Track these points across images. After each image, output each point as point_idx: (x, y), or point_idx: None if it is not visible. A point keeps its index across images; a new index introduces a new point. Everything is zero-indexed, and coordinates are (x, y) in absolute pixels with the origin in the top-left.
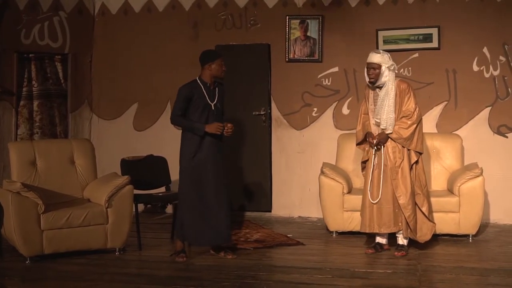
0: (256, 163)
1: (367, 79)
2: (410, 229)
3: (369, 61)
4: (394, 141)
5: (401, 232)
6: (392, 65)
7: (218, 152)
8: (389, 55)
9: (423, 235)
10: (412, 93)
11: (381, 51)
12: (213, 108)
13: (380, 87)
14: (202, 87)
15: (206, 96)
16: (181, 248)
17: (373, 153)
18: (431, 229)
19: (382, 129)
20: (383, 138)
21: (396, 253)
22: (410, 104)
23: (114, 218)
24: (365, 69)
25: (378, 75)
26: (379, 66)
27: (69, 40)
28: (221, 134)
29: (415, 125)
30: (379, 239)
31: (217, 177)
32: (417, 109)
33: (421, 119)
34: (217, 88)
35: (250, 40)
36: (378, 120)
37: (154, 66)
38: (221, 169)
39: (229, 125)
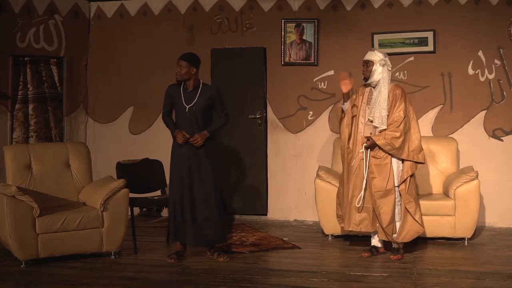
0: (252, 166)
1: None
2: (385, 231)
3: (364, 58)
4: (384, 151)
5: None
6: (382, 60)
7: (201, 154)
8: (383, 53)
9: (403, 237)
10: (404, 101)
11: (376, 49)
12: (187, 111)
13: (373, 86)
14: (181, 88)
15: (182, 98)
16: (178, 249)
17: (354, 156)
18: (417, 232)
19: (375, 126)
20: (372, 145)
21: (391, 256)
22: (400, 112)
23: (109, 221)
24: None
25: (370, 72)
26: (372, 63)
27: (64, 44)
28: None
29: (404, 135)
30: (374, 242)
31: (200, 178)
32: (406, 118)
33: (409, 128)
34: (199, 90)
35: (245, 44)
36: (371, 118)
37: (150, 70)
38: (205, 170)
39: (195, 136)
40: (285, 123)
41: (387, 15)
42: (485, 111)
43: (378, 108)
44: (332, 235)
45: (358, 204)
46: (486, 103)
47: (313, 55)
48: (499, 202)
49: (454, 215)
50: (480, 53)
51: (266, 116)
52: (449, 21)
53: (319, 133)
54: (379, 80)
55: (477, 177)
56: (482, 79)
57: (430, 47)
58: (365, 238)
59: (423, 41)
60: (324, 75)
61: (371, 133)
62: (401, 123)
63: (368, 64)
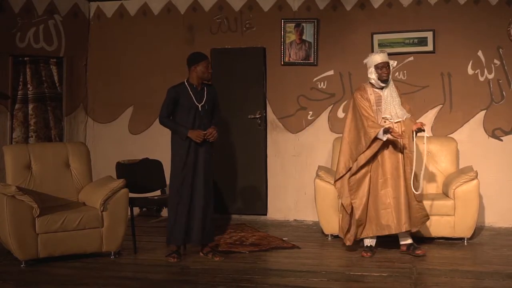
0: (251, 166)
1: (377, 79)
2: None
3: (381, 60)
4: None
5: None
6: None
7: (207, 155)
8: None
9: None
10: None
11: (381, 50)
12: (200, 110)
13: (380, 88)
14: (189, 88)
15: (193, 98)
16: (176, 249)
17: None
18: (427, 217)
19: (397, 122)
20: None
21: (418, 251)
22: (405, 104)
23: (109, 221)
24: (374, 70)
25: (389, 73)
26: (389, 64)
27: (64, 44)
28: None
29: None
30: (369, 242)
31: (205, 180)
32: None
33: None
34: (205, 90)
35: (245, 44)
36: (389, 116)
37: (149, 70)
38: (208, 172)
39: (209, 130)
40: (284, 123)
41: (386, 15)
42: (484, 111)
43: (397, 105)
44: (331, 235)
45: (418, 191)
46: (485, 103)
47: (312, 55)
48: (499, 202)
49: (454, 215)
50: (480, 53)
51: (265, 116)
52: (449, 21)
53: (318, 133)
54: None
55: (476, 177)
56: (481, 79)
57: (429, 47)
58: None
59: (422, 41)
60: (323, 75)
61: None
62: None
63: (388, 66)
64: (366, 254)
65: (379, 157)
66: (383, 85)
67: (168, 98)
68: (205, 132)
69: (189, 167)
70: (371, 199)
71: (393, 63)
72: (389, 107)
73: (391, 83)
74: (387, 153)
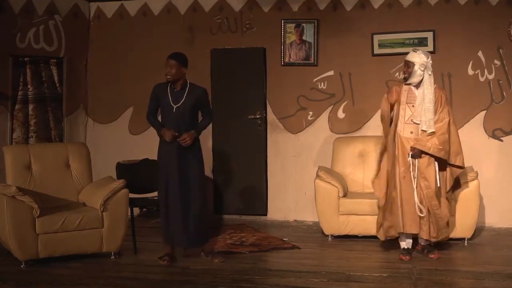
0: (251, 166)
1: (401, 76)
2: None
3: (406, 58)
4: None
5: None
6: (422, 64)
7: (190, 154)
8: (426, 55)
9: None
10: (447, 104)
11: (420, 51)
12: (174, 111)
13: (414, 86)
14: (168, 88)
15: (169, 98)
16: (168, 251)
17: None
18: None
19: (423, 130)
20: (417, 153)
21: (433, 255)
22: (445, 114)
23: (109, 222)
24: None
25: (410, 73)
26: (412, 65)
27: (64, 44)
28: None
29: (447, 135)
30: (405, 244)
31: (183, 182)
32: (450, 120)
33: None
34: (186, 90)
35: (245, 44)
36: (418, 122)
37: (150, 70)
38: (194, 170)
39: (184, 135)
40: (285, 124)
41: (387, 15)
42: (484, 112)
43: (424, 111)
44: (332, 235)
45: (422, 214)
46: (485, 104)
47: (312, 55)
48: (499, 202)
49: (454, 215)
50: (480, 54)
51: (266, 117)
52: (449, 22)
53: (319, 133)
54: (420, 82)
55: (477, 177)
56: (481, 79)
57: (430, 48)
58: (364, 239)
59: (422, 42)
60: (323, 76)
61: (411, 132)
62: (449, 125)
63: (409, 65)
64: (404, 257)
65: (398, 158)
66: (405, 83)
67: (151, 94)
68: (176, 134)
69: (166, 169)
70: (393, 198)
71: (419, 63)
72: (419, 113)
73: (427, 86)
74: (401, 156)
